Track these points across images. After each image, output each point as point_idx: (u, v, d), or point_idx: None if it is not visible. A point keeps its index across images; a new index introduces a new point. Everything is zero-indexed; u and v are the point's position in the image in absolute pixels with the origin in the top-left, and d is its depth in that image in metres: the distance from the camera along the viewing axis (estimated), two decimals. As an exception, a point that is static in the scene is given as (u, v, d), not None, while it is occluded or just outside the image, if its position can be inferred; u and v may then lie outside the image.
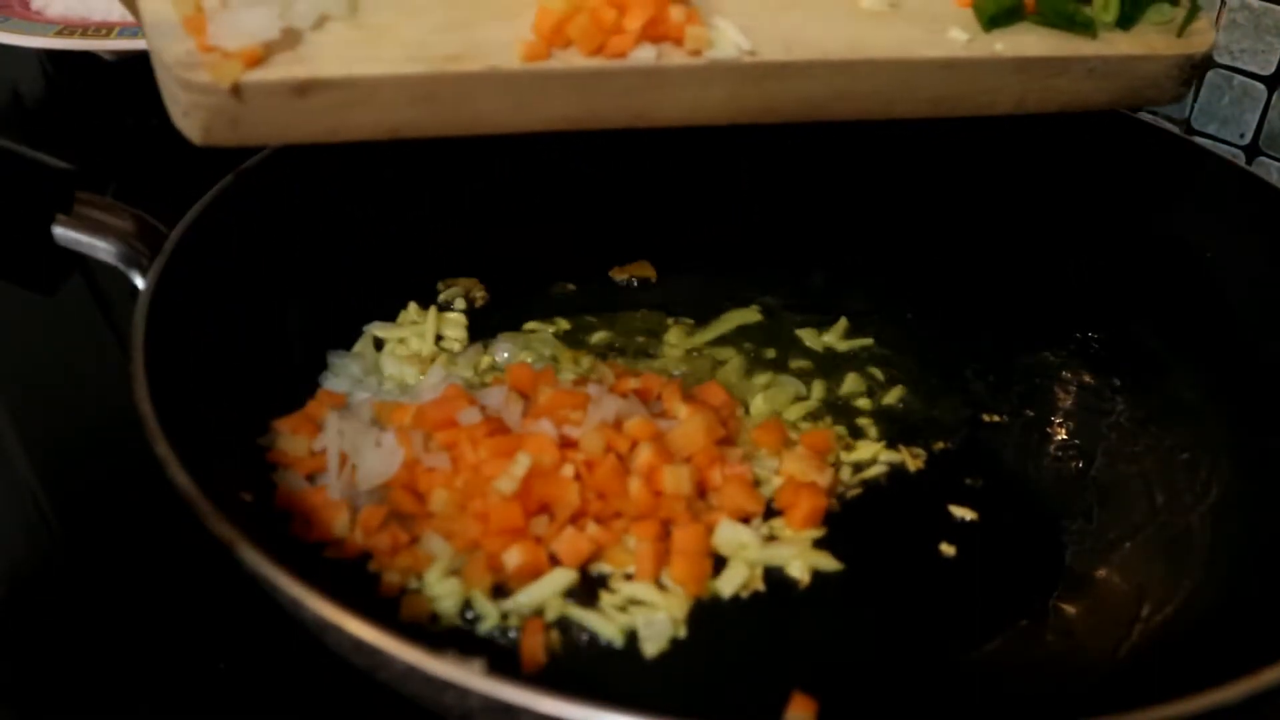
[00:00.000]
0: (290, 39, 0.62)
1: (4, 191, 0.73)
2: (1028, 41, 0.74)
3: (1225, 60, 0.99)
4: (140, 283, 0.72)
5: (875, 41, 0.71)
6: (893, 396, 0.83)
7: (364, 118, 0.63)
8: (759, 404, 0.81)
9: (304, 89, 0.61)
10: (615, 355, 0.86)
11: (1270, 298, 0.85)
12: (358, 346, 0.85)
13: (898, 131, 0.99)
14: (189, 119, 0.62)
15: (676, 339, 0.88)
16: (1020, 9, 0.75)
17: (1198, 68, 0.79)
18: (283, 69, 0.61)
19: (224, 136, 0.62)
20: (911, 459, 0.78)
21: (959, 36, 0.73)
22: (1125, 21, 0.77)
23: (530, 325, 0.88)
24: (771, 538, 0.71)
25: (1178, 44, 0.77)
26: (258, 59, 0.60)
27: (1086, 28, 0.75)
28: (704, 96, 0.68)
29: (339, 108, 0.62)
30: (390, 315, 0.88)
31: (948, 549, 0.72)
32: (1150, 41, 0.77)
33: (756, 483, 0.74)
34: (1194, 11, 0.78)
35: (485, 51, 0.64)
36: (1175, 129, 1.02)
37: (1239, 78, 0.98)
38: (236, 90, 0.60)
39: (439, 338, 0.86)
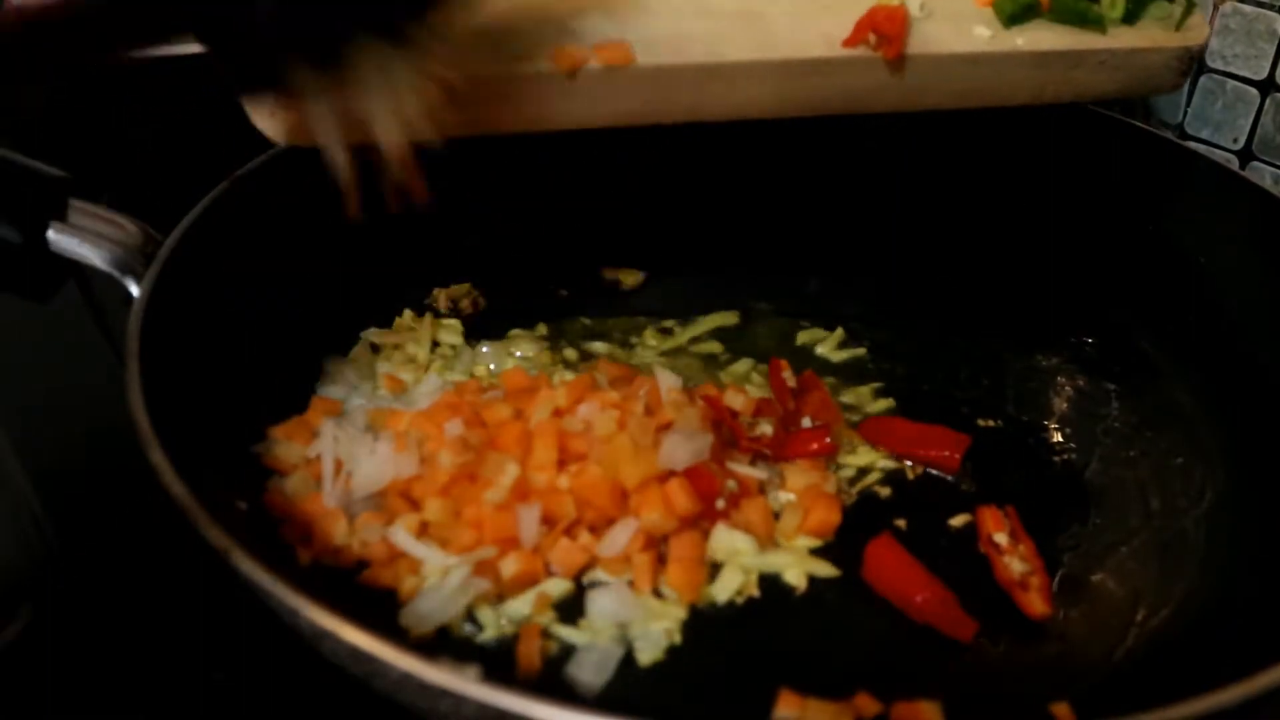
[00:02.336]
0: None
1: (-1, 199, 0.73)
2: (1045, 37, 0.82)
3: (1218, 65, 0.99)
4: (135, 290, 0.72)
5: (911, 39, 0.78)
6: (884, 405, 0.83)
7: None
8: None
9: None
10: (586, 363, 0.86)
11: (1264, 302, 0.85)
12: (353, 353, 0.85)
13: (892, 138, 0.99)
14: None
15: (654, 341, 0.88)
16: (1036, 7, 0.82)
17: (1194, 58, 0.86)
18: None
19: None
20: (908, 466, 0.78)
21: (983, 33, 0.80)
22: (1130, 18, 0.84)
23: (514, 332, 0.88)
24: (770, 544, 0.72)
25: (1176, 37, 0.85)
26: None
27: (1097, 24, 0.82)
28: (755, 91, 0.76)
29: None
30: (386, 321, 0.88)
31: (942, 554, 0.72)
32: (1153, 35, 0.84)
33: (761, 489, 0.74)
34: (1190, 7, 0.86)
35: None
36: (1169, 134, 1.02)
37: (1232, 83, 0.98)
38: None
39: (435, 344, 0.87)
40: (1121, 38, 0.83)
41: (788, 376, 0.82)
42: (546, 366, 0.84)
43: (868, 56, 0.77)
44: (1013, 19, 0.81)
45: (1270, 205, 0.86)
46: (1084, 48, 0.82)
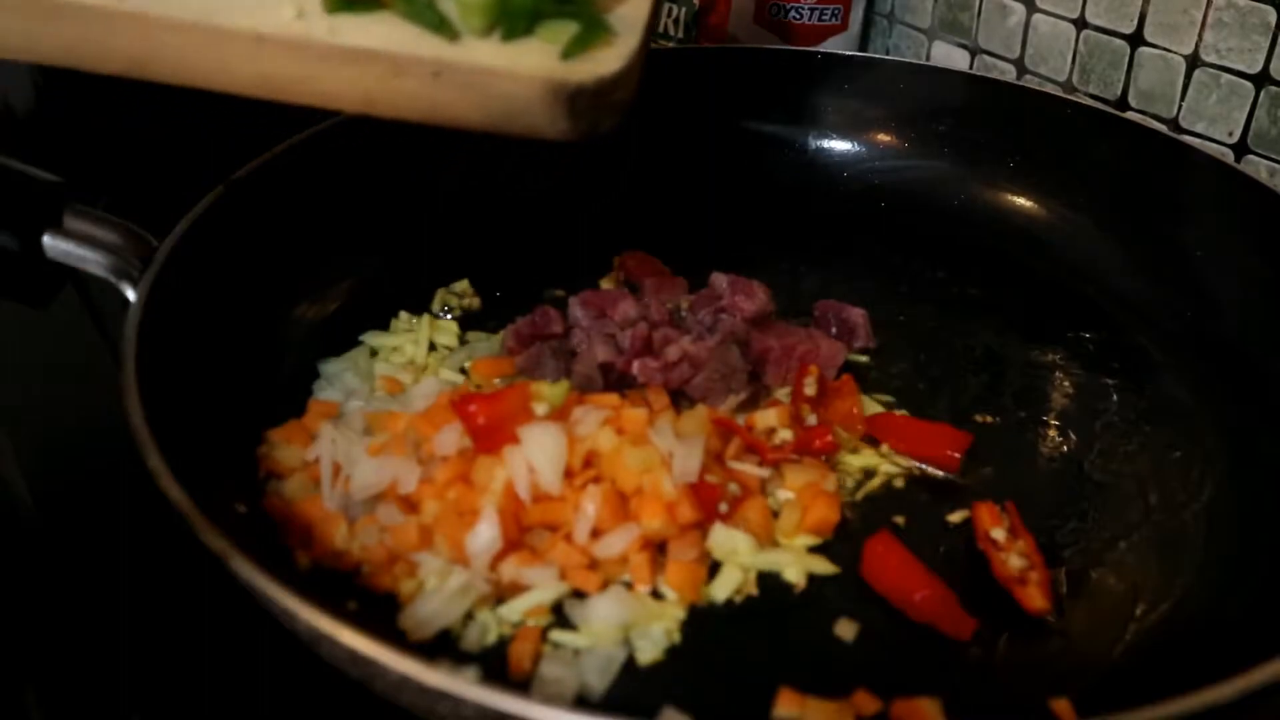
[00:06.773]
0: None
1: (-6, 205, 0.73)
2: (365, 31, 0.64)
3: (1212, 59, 0.99)
4: (131, 295, 0.72)
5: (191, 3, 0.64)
6: (882, 403, 0.83)
7: None
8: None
9: None
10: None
11: (1260, 295, 0.85)
12: (350, 355, 0.85)
13: (888, 137, 1.00)
14: None
15: None
16: None
17: (580, 98, 0.63)
18: None
19: None
20: (907, 463, 0.78)
21: (287, 13, 0.65)
22: (509, 33, 0.65)
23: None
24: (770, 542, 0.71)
25: (550, 66, 0.63)
26: None
27: (440, 28, 0.65)
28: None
29: None
30: (383, 323, 0.88)
31: (942, 551, 0.72)
32: (517, 58, 0.64)
33: (760, 487, 0.74)
34: (591, 33, 0.65)
35: None
36: (1163, 128, 1.02)
37: (1226, 76, 0.98)
38: None
39: (432, 345, 0.87)
40: (471, 51, 0.64)
41: (809, 383, 0.81)
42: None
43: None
44: (341, 3, 0.65)
45: (1266, 198, 0.86)
46: (405, 52, 0.63)
